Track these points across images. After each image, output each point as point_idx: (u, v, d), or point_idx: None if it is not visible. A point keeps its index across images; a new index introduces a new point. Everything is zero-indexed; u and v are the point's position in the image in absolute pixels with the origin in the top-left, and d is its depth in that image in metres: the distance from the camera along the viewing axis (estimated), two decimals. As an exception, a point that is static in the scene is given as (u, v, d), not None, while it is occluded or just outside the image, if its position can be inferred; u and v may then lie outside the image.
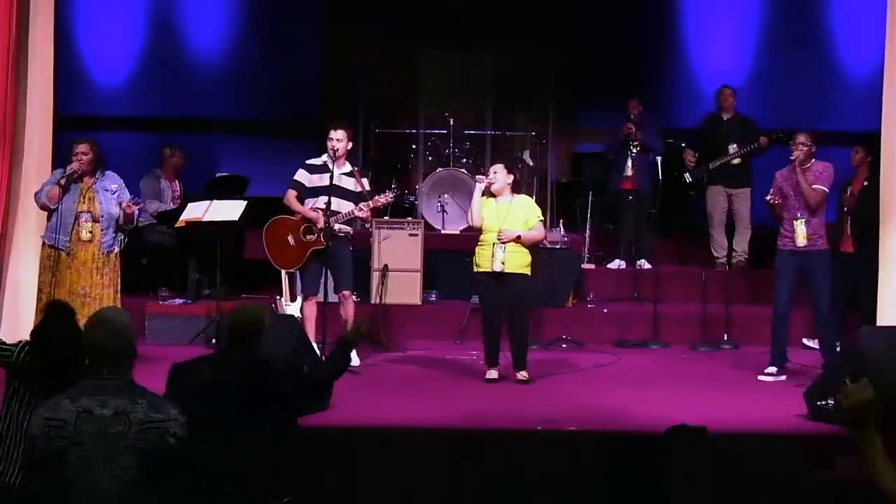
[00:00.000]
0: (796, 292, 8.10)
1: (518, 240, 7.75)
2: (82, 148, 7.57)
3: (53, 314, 4.86)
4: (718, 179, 10.40)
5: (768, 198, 8.13)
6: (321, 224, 8.03)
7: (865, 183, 8.85)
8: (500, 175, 7.88)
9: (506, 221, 7.77)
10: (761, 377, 8.01)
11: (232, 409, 4.47)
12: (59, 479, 3.60)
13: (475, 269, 7.89)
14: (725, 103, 10.55)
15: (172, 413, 3.73)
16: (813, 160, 8.03)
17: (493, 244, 7.73)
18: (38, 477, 3.66)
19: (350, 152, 8.37)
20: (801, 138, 8.02)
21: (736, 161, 10.29)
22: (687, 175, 10.54)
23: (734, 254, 10.46)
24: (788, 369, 8.06)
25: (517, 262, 7.77)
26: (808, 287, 8.08)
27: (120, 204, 7.70)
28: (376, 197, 8.20)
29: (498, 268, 7.71)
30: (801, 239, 7.97)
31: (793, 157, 7.99)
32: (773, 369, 8.03)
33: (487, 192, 7.89)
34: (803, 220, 7.96)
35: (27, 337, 4.95)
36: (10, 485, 4.68)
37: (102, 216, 7.59)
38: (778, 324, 8.09)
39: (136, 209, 7.79)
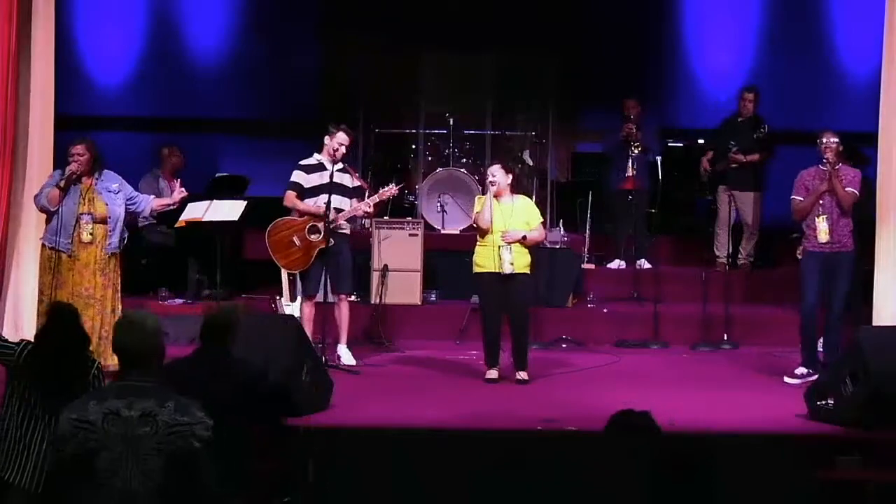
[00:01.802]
0: (823, 292, 7.94)
1: (523, 240, 7.77)
2: (79, 149, 7.51)
3: (56, 317, 4.85)
4: (724, 179, 10.37)
5: (795, 196, 7.93)
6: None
7: None
8: (499, 177, 7.89)
9: (509, 222, 7.79)
10: (789, 379, 7.88)
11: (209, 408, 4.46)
12: (89, 480, 3.60)
13: (475, 270, 7.89)
14: (744, 109, 10.51)
15: (199, 416, 3.72)
16: (840, 164, 7.87)
17: (499, 246, 7.74)
18: (66, 477, 3.65)
19: (347, 151, 8.37)
20: (835, 138, 7.79)
21: (735, 162, 10.26)
22: (702, 175, 10.56)
23: (739, 256, 10.45)
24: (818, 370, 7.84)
25: (520, 262, 7.80)
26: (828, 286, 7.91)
27: (131, 200, 7.68)
28: (381, 190, 8.18)
29: (508, 270, 7.71)
30: (823, 235, 7.83)
31: (827, 158, 7.78)
32: (803, 370, 7.90)
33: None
34: (825, 216, 7.83)
35: (29, 338, 4.94)
36: (22, 488, 4.67)
37: (110, 217, 7.55)
38: (806, 325, 7.95)
39: (178, 196, 7.89)
